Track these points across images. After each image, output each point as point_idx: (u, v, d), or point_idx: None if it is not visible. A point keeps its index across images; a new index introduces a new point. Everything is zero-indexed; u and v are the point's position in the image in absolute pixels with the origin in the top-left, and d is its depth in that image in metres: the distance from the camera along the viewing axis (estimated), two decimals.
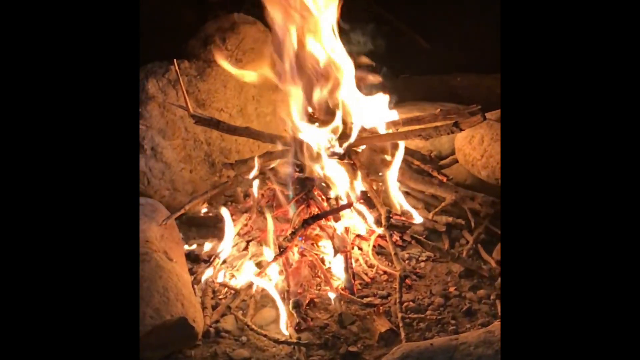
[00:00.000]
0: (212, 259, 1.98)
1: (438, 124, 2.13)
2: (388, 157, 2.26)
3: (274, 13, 2.08)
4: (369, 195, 2.07)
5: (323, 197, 2.06)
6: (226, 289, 1.92)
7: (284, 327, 1.70)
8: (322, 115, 2.19)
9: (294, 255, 1.95)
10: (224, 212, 2.06)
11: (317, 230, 2.00)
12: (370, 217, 2.04)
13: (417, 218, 2.12)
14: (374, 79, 2.37)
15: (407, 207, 2.15)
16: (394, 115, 2.48)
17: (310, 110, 2.21)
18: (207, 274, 1.92)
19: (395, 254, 1.85)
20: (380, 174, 2.17)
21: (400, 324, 1.64)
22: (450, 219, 2.17)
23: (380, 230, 2.00)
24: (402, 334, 1.62)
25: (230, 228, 2.04)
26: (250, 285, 1.85)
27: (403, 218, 2.14)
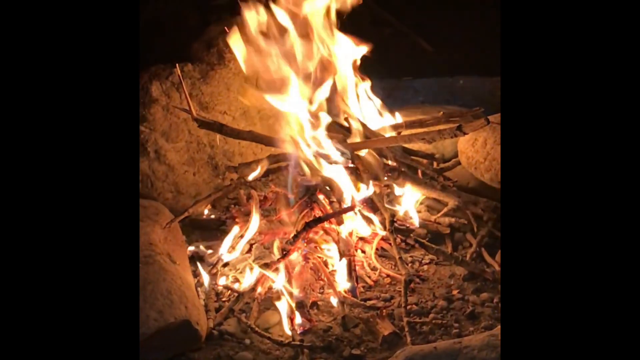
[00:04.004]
0: (215, 262, 1.98)
1: (441, 126, 2.13)
2: (391, 162, 2.26)
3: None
4: (372, 198, 2.07)
5: (327, 200, 2.06)
6: (229, 291, 1.92)
7: (287, 328, 1.71)
8: (325, 119, 2.19)
9: (296, 258, 1.95)
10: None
11: (321, 233, 2.00)
12: (374, 220, 2.03)
13: (417, 222, 2.13)
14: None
15: (412, 213, 2.15)
16: (397, 118, 2.49)
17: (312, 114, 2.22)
18: (211, 276, 1.92)
19: (400, 258, 1.85)
20: (385, 177, 2.17)
21: (406, 329, 1.64)
22: (453, 220, 2.18)
23: (384, 233, 2.00)
24: (408, 339, 1.61)
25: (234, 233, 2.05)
26: (253, 288, 1.85)
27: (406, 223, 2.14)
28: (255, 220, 2.04)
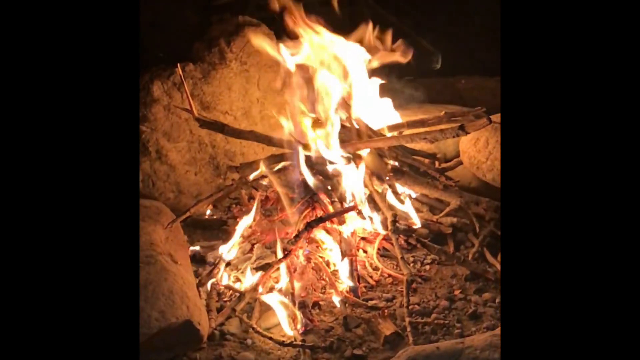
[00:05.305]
0: (217, 262, 1.98)
1: (443, 126, 2.13)
2: (392, 162, 2.26)
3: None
4: (373, 198, 2.07)
5: (328, 200, 2.06)
6: (231, 291, 1.92)
7: (287, 328, 1.70)
8: (326, 118, 2.19)
9: (298, 258, 1.95)
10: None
11: (323, 233, 2.00)
12: (376, 220, 2.03)
13: (418, 221, 2.13)
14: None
15: (408, 211, 2.15)
16: (398, 117, 2.49)
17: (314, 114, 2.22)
18: (212, 277, 1.92)
19: (402, 258, 1.84)
20: (386, 177, 2.17)
21: (408, 329, 1.64)
22: (455, 220, 2.18)
23: (386, 233, 2.00)
24: (410, 339, 1.61)
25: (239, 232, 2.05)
26: (255, 288, 1.85)
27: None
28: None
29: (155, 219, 2.01)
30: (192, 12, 2.81)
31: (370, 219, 2.04)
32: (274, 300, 1.77)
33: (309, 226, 1.88)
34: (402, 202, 2.16)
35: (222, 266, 1.94)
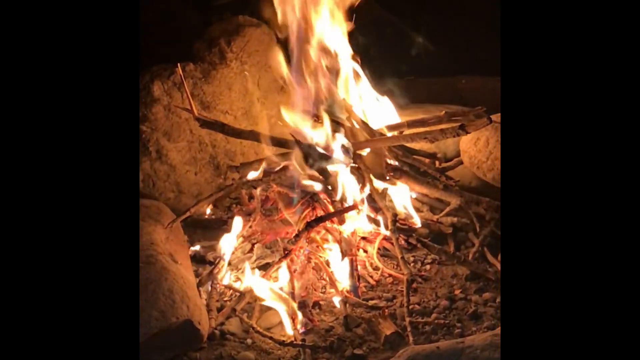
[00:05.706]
0: (217, 261, 1.98)
1: (443, 126, 2.13)
2: (392, 161, 2.26)
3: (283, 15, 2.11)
4: (374, 198, 2.07)
5: (328, 200, 2.06)
6: (231, 291, 1.92)
7: (289, 328, 1.70)
8: (327, 118, 2.19)
9: (298, 257, 1.95)
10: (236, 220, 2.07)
11: (323, 233, 2.00)
12: (377, 219, 2.03)
13: (418, 221, 2.13)
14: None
15: (411, 210, 2.15)
16: (398, 117, 2.49)
17: (314, 113, 2.21)
18: (213, 276, 1.92)
19: (402, 257, 1.84)
20: (387, 177, 2.17)
21: (409, 329, 1.64)
22: (455, 219, 2.18)
23: (387, 232, 2.00)
24: (411, 339, 1.61)
25: (235, 231, 2.05)
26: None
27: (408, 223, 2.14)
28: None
29: (156, 219, 2.01)
30: (192, 12, 2.81)
31: (372, 219, 2.04)
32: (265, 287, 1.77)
33: (309, 226, 1.88)
34: (402, 202, 2.16)
35: (224, 265, 1.95)
